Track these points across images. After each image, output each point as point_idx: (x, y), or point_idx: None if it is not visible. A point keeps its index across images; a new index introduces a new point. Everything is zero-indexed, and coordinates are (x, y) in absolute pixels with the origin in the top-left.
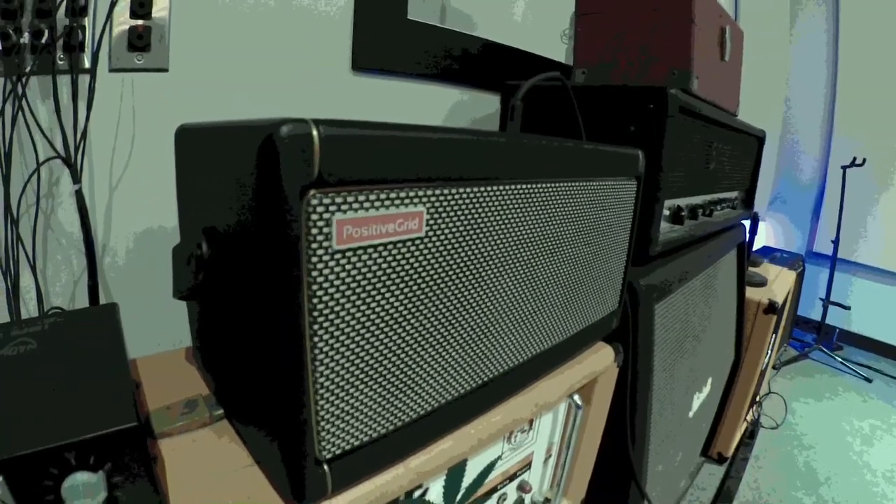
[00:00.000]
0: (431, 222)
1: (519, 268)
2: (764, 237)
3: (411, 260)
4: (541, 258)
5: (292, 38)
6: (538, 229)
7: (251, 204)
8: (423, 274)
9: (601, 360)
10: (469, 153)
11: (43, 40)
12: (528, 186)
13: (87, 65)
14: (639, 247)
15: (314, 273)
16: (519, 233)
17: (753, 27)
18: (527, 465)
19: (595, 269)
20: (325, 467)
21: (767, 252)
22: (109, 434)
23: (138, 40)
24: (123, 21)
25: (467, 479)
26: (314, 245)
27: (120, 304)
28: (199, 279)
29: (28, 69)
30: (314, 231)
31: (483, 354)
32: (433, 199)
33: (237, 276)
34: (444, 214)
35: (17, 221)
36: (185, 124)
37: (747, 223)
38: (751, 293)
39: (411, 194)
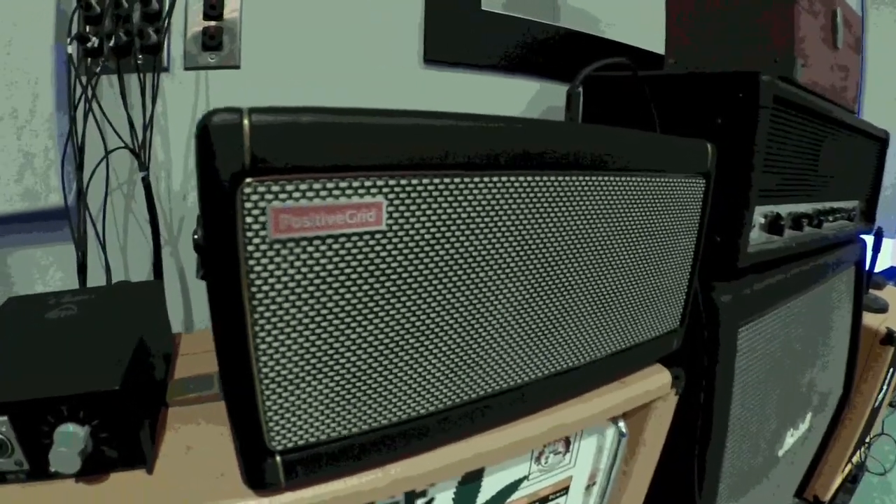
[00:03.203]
0: (397, 215)
1: (529, 273)
2: (890, 256)
3: (371, 255)
4: (564, 264)
5: (362, 32)
6: (559, 230)
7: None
8: (389, 272)
9: (651, 385)
10: (446, 139)
11: (111, 43)
12: (540, 180)
13: (165, 64)
14: (724, 258)
15: (251, 262)
16: (529, 233)
17: (880, 14)
18: (562, 490)
19: (645, 280)
20: (278, 459)
21: (894, 274)
22: (91, 393)
23: (210, 40)
24: (197, 22)
25: (484, 496)
26: (249, 233)
27: (190, 281)
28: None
29: (98, 70)
30: (249, 219)
31: (478, 366)
32: (398, 189)
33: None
34: (415, 207)
35: (85, 200)
36: None
37: (869, 239)
38: (868, 319)
39: (367, 184)
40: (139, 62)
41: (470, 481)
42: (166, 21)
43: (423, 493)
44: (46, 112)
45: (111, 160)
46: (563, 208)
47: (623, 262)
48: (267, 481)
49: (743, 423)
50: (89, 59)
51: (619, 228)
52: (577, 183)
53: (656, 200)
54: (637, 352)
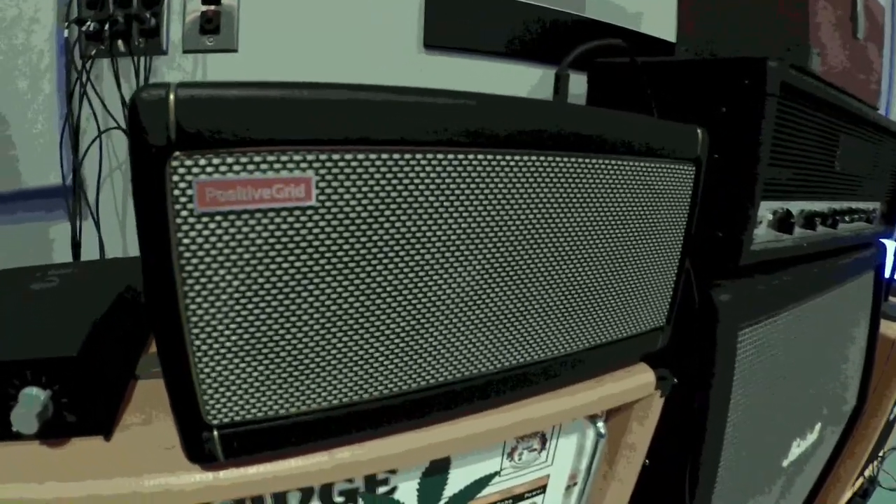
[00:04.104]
0: (329, 191)
1: (485, 259)
2: None
3: (303, 231)
4: (527, 251)
5: (360, 15)
6: (520, 215)
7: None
8: (322, 249)
9: (630, 385)
10: (380, 113)
11: (106, 27)
12: (495, 159)
13: (164, 47)
14: (726, 255)
15: (179, 234)
16: (483, 216)
17: None
18: (539, 489)
19: (624, 272)
20: (215, 433)
21: None
22: (49, 359)
23: (208, 24)
24: (196, 7)
25: (451, 489)
26: (177, 206)
27: None
28: None
29: (93, 53)
30: (176, 192)
31: (427, 353)
32: (329, 164)
33: None
34: (349, 183)
35: (78, 179)
36: None
37: (891, 244)
38: (885, 328)
39: (296, 158)
40: (137, 45)
41: (435, 473)
42: (165, 5)
43: (384, 482)
44: (49, 94)
45: (110, 142)
46: (526, 191)
47: (597, 252)
48: (205, 455)
49: (742, 430)
50: (89, 43)
51: (592, 216)
52: (541, 164)
53: (637, 187)
54: (615, 349)
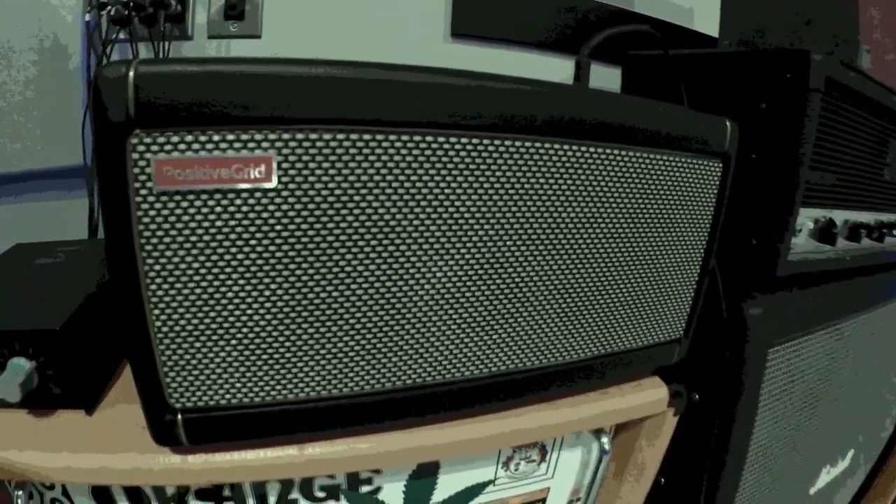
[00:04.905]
0: (293, 172)
1: (469, 253)
2: None
3: (264, 215)
4: (518, 247)
5: (386, 2)
6: (511, 207)
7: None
8: (285, 234)
9: (639, 400)
10: (353, 91)
11: (126, 11)
12: (480, 143)
13: (189, 33)
14: (759, 265)
15: (139, 213)
16: (467, 206)
17: None
18: (538, 502)
19: (635, 276)
20: (179, 417)
21: None
22: (33, 331)
23: (232, 10)
24: None
25: (440, 494)
26: (136, 185)
27: None
28: None
29: (114, 37)
30: (135, 170)
31: (404, 352)
32: (293, 144)
33: None
34: (314, 165)
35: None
36: None
37: None
38: None
39: (258, 137)
40: (161, 30)
41: (424, 476)
42: None
43: (368, 481)
44: (74, 77)
45: None
46: (522, 181)
47: (605, 251)
48: (170, 438)
49: (767, 453)
50: (112, 28)
51: (599, 212)
52: (540, 151)
53: (653, 182)
54: (623, 359)
